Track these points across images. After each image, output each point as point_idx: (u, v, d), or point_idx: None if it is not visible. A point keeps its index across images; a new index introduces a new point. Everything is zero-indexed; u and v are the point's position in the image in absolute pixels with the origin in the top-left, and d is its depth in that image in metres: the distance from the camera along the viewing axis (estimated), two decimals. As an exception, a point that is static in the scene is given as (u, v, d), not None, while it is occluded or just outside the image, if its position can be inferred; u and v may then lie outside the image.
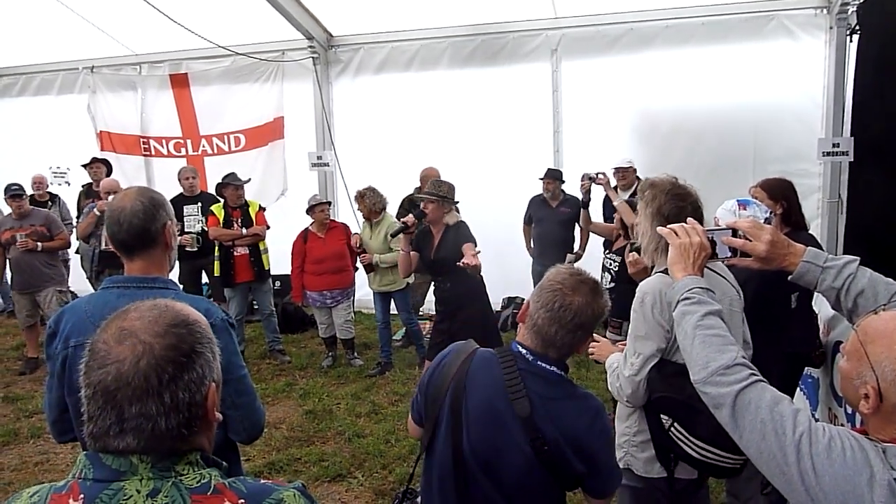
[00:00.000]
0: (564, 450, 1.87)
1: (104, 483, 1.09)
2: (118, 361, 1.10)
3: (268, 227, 6.90)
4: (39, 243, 6.69)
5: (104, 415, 1.10)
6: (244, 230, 6.70)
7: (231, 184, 6.78)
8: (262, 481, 1.20)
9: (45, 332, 2.08)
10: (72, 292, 8.33)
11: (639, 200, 2.60)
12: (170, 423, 1.10)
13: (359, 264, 6.85)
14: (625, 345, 2.72)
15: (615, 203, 5.35)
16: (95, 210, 6.58)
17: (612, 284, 4.96)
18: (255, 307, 7.29)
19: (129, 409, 1.09)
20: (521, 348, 1.99)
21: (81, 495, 1.08)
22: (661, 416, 2.32)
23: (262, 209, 6.97)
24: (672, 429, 2.29)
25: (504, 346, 2.06)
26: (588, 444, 1.90)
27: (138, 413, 1.09)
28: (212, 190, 7.40)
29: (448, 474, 1.98)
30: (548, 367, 1.95)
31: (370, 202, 6.43)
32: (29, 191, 8.00)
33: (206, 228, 6.94)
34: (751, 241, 1.92)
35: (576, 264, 6.37)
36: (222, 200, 6.88)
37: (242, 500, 1.12)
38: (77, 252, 8.13)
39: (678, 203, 2.44)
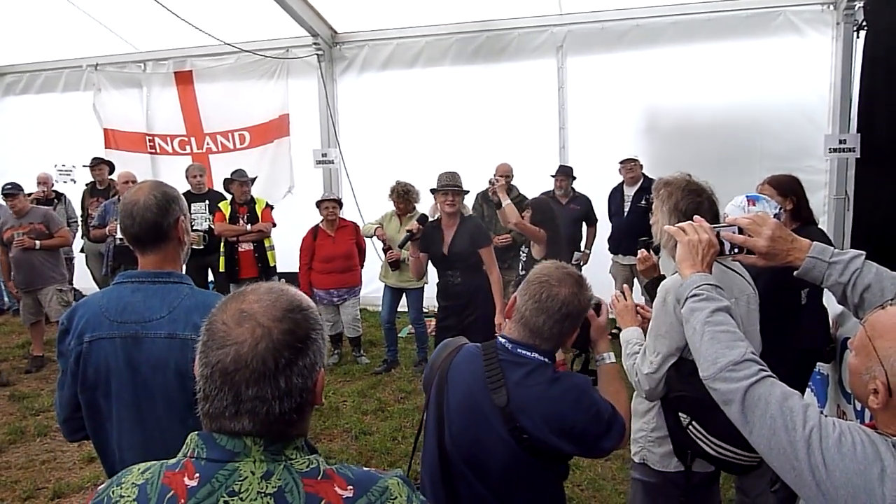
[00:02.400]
0: (548, 435, 1.89)
1: (219, 463, 1.11)
2: (237, 343, 1.12)
3: (274, 225, 6.92)
4: (37, 241, 6.65)
5: (221, 395, 1.12)
6: (249, 227, 6.72)
7: (236, 180, 6.82)
8: (366, 469, 1.21)
9: (58, 330, 2.07)
10: (76, 290, 8.36)
11: (654, 199, 2.59)
12: (283, 407, 1.12)
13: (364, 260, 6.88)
14: (644, 309, 2.70)
15: (504, 204, 5.54)
16: (108, 229, 6.62)
17: (523, 272, 5.51)
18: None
19: (245, 391, 1.11)
20: (503, 339, 2.02)
21: (197, 474, 1.10)
22: (680, 414, 2.33)
23: (268, 206, 7.01)
24: (690, 427, 2.30)
25: (490, 341, 2.08)
26: (573, 422, 1.91)
27: (255, 396, 1.11)
28: (218, 187, 7.41)
29: (435, 469, 2.02)
30: (528, 353, 1.97)
31: (415, 197, 6.37)
32: (34, 189, 8.03)
33: (212, 226, 6.99)
34: (752, 237, 1.91)
35: (584, 265, 6.53)
36: (230, 197, 6.92)
37: (351, 487, 1.13)
38: (82, 251, 8.16)
39: (694, 199, 2.45)
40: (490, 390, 1.93)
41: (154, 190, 2.04)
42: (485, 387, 1.94)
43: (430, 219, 5.17)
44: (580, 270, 6.86)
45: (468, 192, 5.16)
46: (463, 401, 1.99)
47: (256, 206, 6.90)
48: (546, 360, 1.97)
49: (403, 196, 6.27)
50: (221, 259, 6.83)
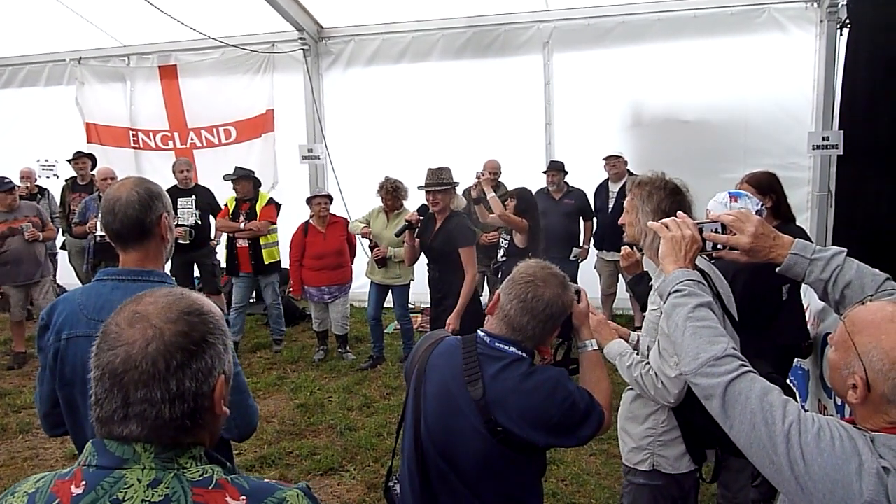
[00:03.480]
0: (523, 428, 1.90)
1: (106, 470, 1.08)
2: (128, 344, 1.10)
3: (273, 223, 6.90)
4: (41, 234, 6.69)
5: (110, 398, 1.10)
6: (243, 225, 6.76)
7: (231, 178, 6.92)
8: (266, 480, 1.19)
9: (36, 325, 2.05)
10: (59, 286, 8.30)
11: (630, 198, 2.55)
12: (174, 411, 1.10)
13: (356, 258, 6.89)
14: (622, 329, 2.67)
15: (488, 196, 5.80)
16: (88, 227, 6.59)
17: (504, 258, 5.87)
18: (252, 300, 7.46)
19: (134, 393, 1.08)
20: (483, 333, 2.04)
21: (83, 482, 1.08)
22: None
23: (271, 203, 6.98)
24: None
25: (470, 334, 2.09)
26: (549, 414, 1.92)
27: (143, 398, 1.08)
28: (203, 182, 7.36)
29: (412, 461, 2.04)
30: (507, 347, 1.98)
31: (404, 193, 6.33)
32: (18, 184, 7.94)
33: (199, 222, 7.02)
34: (734, 234, 1.92)
35: (582, 261, 6.64)
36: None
37: (244, 497, 1.11)
38: (63, 248, 8.09)
39: (676, 198, 2.42)
40: (466, 383, 1.94)
41: (137, 186, 2.01)
42: (462, 379, 1.96)
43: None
44: (578, 266, 6.91)
45: (458, 183, 5.19)
46: (439, 393, 2.01)
47: (258, 203, 6.91)
48: (523, 354, 1.99)
49: (392, 192, 6.25)
50: (224, 253, 6.94)
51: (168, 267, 2.17)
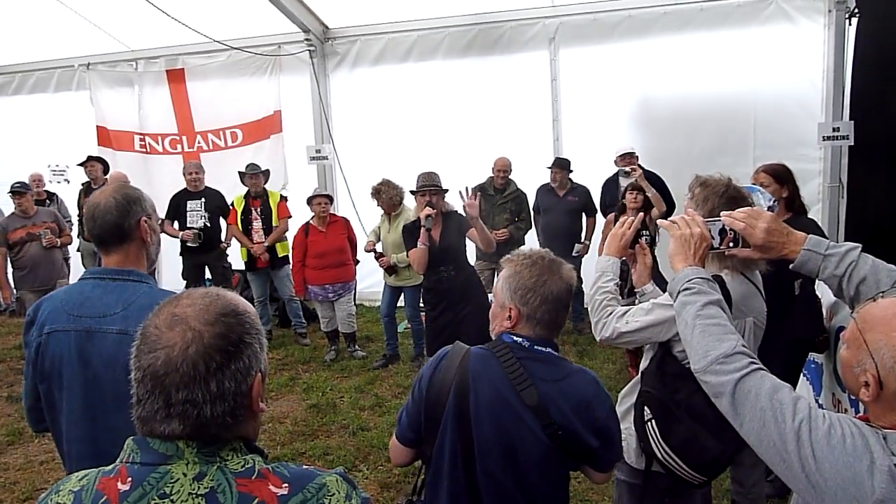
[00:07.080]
0: (578, 428, 1.90)
1: (151, 466, 1.11)
2: (168, 347, 1.12)
3: (289, 216, 7.22)
4: (58, 240, 6.77)
5: (152, 399, 1.13)
6: (265, 241, 7.07)
7: (248, 172, 7.11)
8: (304, 466, 1.21)
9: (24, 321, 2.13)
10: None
11: (688, 199, 2.47)
12: (215, 410, 1.13)
13: (360, 256, 6.91)
14: (644, 249, 2.61)
15: (648, 194, 5.76)
16: None
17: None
18: (274, 294, 7.71)
19: (175, 394, 1.11)
20: (514, 338, 2.00)
21: (129, 478, 1.11)
22: (645, 407, 2.33)
23: (283, 199, 7.25)
24: (649, 424, 2.30)
25: (494, 341, 2.05)
26: (597, 413, 1.93)
27: (184, 399, 1.11)
28: (210, 184, 7.39)
29: (459, 476, 1.96)
30: (544, 349, 1.98)
31: (387, 196, 6.28)
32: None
33: (207, 224, 7.06)
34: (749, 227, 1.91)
35: (584, 256, 6.54)
36: (245, 190, 7.22)
37: (286, 485, 1.14)
38: (78, 250, 8.14)
39: (733, 206, 2.25)
40: (518, 390, 1.90)
41: (115, 192, 2.08)
42: (511, 387, 1.91)
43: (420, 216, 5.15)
44: (581, 262, 6.85)
45: (447, 190, 5.12)
46: (492, 403, 1.93)
47: (270, 199, 7.15)
48: (558, 353, 2.01)
49: (375, 195, 6.32)
50: (243, 250, 7.19)
51: (179, 269, 2.20)
